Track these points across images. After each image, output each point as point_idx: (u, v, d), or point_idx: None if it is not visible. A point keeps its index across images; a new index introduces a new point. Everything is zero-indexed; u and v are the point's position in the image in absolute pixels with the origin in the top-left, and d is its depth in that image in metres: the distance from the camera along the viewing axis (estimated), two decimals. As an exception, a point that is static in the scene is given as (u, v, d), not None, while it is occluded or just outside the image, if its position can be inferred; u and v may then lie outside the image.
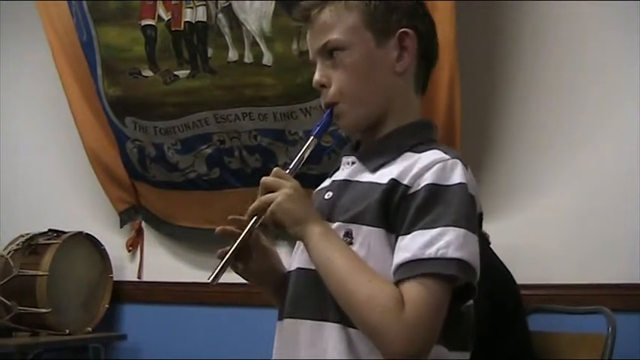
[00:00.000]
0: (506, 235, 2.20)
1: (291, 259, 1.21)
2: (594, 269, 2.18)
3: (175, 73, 2.69)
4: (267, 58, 2.52)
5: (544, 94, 2.37)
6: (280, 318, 1.19)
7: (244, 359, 2.51)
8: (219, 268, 1.10)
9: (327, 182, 1.26)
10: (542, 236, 2.30)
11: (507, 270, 1.95)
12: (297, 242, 1.18)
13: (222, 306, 2.71)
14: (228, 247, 1.12)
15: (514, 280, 1.95)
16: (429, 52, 1.21)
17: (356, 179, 1.17)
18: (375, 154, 1.17)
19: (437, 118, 2.31)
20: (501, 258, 1.96)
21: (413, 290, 1.00)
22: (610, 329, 1.80)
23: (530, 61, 2.39)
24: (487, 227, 2.11)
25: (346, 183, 1.17)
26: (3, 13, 3.33)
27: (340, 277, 1.04)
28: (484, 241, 2.06)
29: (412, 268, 1.01)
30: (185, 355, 2.78)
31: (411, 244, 1.02)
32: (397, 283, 1.02)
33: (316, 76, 1.19)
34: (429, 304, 1.00)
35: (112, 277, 2.90)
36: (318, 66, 1.19)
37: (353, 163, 1.20)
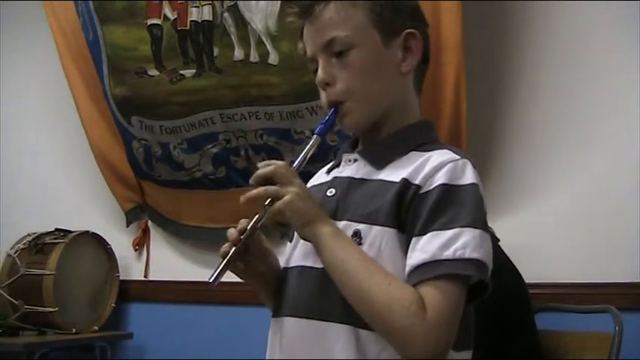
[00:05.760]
0: (512, 233, 2.19)
1: (287, 255, 1.19)
2: (601, 268, 2.18)
3: (181, 72, 2.69)
4: (273, 57, 2.52)
5: (549, 94, 2.36)
6: (277, 315, 1.17)
7: (251, 358, 2.51)
8: (220, 267, 1.06)
9: (325, 177, 1.23)
10: (548, 235, 2.29)
11: (516, 269, 1.95)
12: (295, 239, 1.17)
13: (229, 305, 2.70)
14: (229, 246, 1.09)
15: (523, 280, 1.95)
16: (427, 53, 1.21)
17: (362, 177, 1.15)
18: (380, 153, 1.16)
19: (443, 118, 2.32)
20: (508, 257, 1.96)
21: (433, 292, 0.99)
22: (617, 328, 1.79)
23: (536, 61, 2.39)
24: (493, 226, 2.09)
25: (351, 181, 1.15)
26: (9, 12, 3.34)
27: (358, 279, 1.02)
28: (492, 237, 2.05)
29: (430, 270, 1.00)
30: (191, 354, 2.78)
31: (428, 246, 1.01)
32: (415, 284, 1.01)
33: (320, 74, 1.16)
34: (449, 306, 1.00)
35: (118, 276, 2.91)
36: (322, 63, 1.16)
37: (355, 160, 1.19)
